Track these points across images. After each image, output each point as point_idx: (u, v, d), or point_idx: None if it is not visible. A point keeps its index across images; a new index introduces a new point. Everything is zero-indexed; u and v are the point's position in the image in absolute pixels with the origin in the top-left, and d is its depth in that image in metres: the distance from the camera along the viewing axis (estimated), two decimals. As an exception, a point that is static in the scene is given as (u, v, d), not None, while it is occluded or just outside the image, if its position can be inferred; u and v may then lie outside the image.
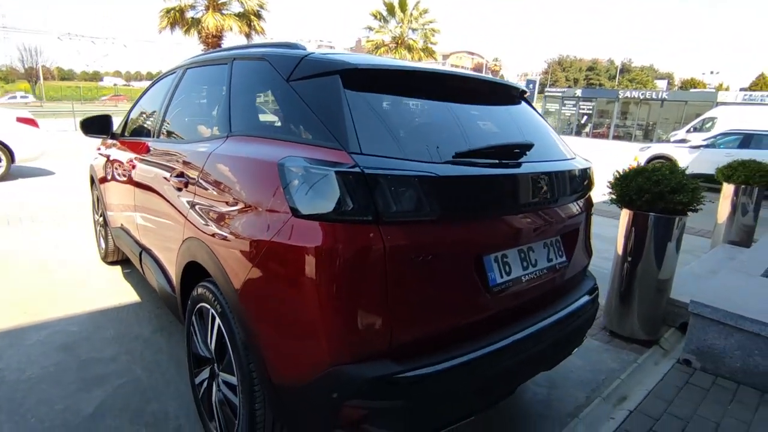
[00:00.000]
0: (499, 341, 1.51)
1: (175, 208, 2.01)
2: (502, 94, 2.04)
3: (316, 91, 1.52)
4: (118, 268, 3.83)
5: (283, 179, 1.36)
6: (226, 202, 1.61)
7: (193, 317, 1.89)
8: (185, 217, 1.89)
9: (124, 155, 2.95)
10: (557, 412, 2.24)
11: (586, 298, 1.98)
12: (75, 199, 6.10)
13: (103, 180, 3.44)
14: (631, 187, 2.83)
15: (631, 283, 2.92)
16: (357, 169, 1.27)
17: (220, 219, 1.62)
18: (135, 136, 3.00)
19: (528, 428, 2.17)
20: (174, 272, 2.08)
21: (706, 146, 10.91)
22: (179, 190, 1.96)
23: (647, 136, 30.23)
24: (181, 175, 1.97)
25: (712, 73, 57.42)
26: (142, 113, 3.07)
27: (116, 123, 3.37)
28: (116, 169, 3.07)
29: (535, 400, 2.33)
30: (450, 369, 1.36)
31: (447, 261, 1.41)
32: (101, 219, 3.74)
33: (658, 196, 2.71)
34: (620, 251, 2.98)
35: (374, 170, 1.28)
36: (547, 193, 1.72)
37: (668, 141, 17.32)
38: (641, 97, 31.90)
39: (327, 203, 1.27)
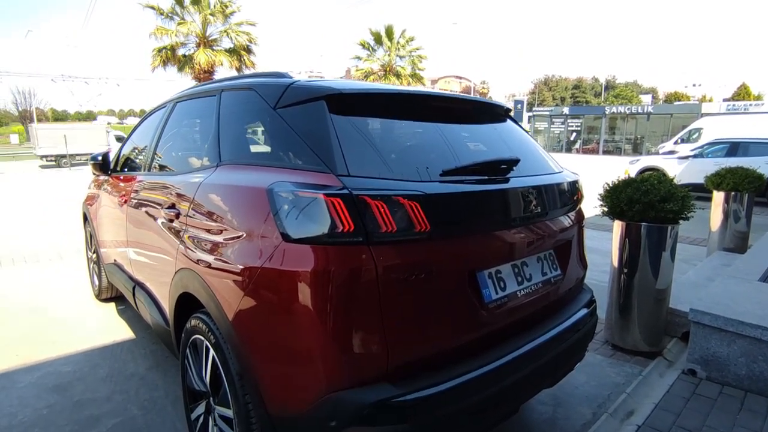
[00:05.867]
0: (499, 358, 1.49)
1: (168, 239, 2.00)
2: (487, 112, 2.08)
3: (302, 117, 1.54)
4: (112, 305, 3.78)
5: (273, 204, 1.36)
6: (217, 231, 1.61)
7: (188, 350, 1.85)
8: (177, 249, 1.88)
9: (116, 190, 2.95)
10: (564, 431, 2.19)
11: (584, 310, 1.96)
12: (70, 238, 6.07)
13: (96, 216, 3.43)
14: (621, 198, 2.86)
15: (630, 295, 2.90)
16: (345, 191, 1.27)
17: (212, 248, 1.62)
18: (126, 170, 3.01)
19: (535, 449, 2.12)
20: (168, 305, 2.05)
21: (695, 156, 11.06)
22: (171, 221, 1.96)
23: (636, 149, 30.65)
24: (172, 206, 1.97)
25: (694, 85, 58.53)
26: (133, 148, 3.09)
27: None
28: (108, 204, 3.07)
29: (540, 420, 2.28)
30: (451, 389, 1.34)
31: (440, 278, 1.40)
32: (94, 256, 3.71)
33: (648, 206, 2.73)
34: (615, 263, 2.98)
35: (362, 191, 1.29)
36: (536, 206, 1.73)
37: (657, 153, 17.56)
38: (627, 112, 32.49)
39: (317, 226, 1.27)
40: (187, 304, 1.84)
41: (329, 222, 1.26)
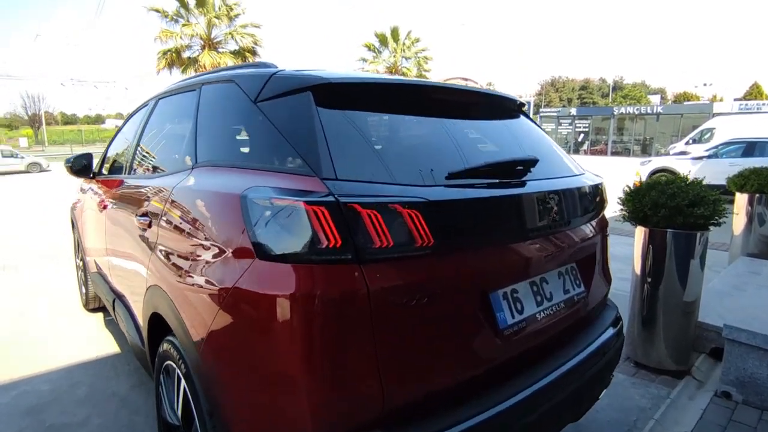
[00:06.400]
0: (515, 395, 1.26)
1: (140, 251, 1.79)
2: (497, 107, 1.85)
3: (285, 110, 1.33)
4: (100, 316, 3.59)
5: (246, 213, 1.15)
6: (187, 244, 1.40)
7: (161, 376, 1.64)
8: (149, 262, 1.67)
9: (98, 195, 2.76)
10: (586, 464, 1.95)
11: (610, 331, 1.73)
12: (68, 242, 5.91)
13: (81, 222, 3.25)
14: (644, 202, 2.61)
15: (654, 307, 2.65)
16: (330, 198, 1.06)
17: (181, 263, 1.41)
18: (110, 173, 2.82)
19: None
20: (142, 323, 1.85)
21: (709, 157, 10.74)
22: (144, 230, 1.76)
23: (645, 150, 30.20)
24: (145, 214, 1.77)
25: (705, 85, 57.28)
26: (116, 149, 2.90)
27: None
28: (91, 210, 2.88)
29: (559, 450, 2.03)
30: None
31: (447, 302, 1.18)
32: (81, 263, 3.52)
33: (675, 211, 2.49)
34: (638, 271, 2.74)
35: (352, 198, 1.07)
36: (557, 213, 1.50)
37: (667, 154, 17.19)
38: (636, 113, 32.03)
39: (296, 241, 1.05)
40: (160, 324, 1.63)
41: (311, 235, 1.04)
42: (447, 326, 1.19)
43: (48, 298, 3.98)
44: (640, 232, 2.71)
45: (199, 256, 1.31)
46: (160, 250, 1.57)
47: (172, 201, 1.56)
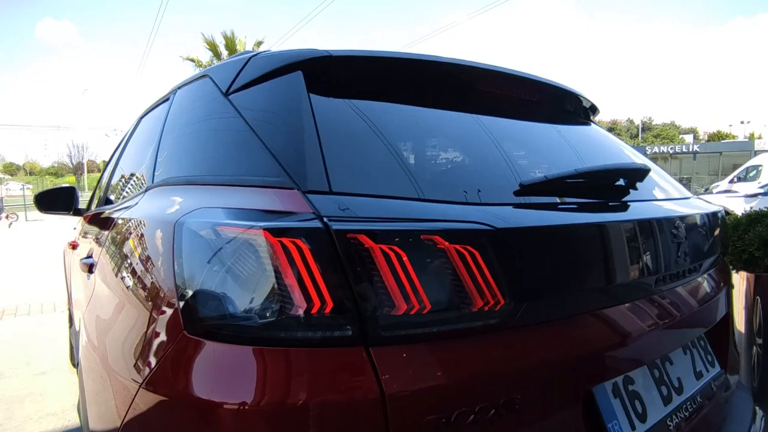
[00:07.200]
0: None
1: (79, 306, 1.34)
2: (562, 106, 1.37)
3: (263, 98, 0.89)
4: (84, 373, 3.13)
5: (177, 252, 0.67)
6: (110, 300, 0.93)
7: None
8: (84, 320, 1.21)
9: (75, 233, 2.38)
10: None
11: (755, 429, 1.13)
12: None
13: (65, 266, 2.87)
14: (747, 240, 2.03)
15: (769, 380, 2.00)
16: (316, 224, 0.57)
17: (98, 332, 0.94)
18: (93, 207, 2.44)
19: None
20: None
21: (765, 194, 9.90)
22: (87, 277, 1.31)
23: (683, 190, 28.97)
24: (90, 255, 1.33)
25: (742, 123, 55.19)
26: (100, 180, 2.54)
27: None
28: (69, 252, 2.49)
29: None
30: None
31: (525, 413, 0.65)
32: (69, 313, 3.12)
33: (796, 251, 1.89)
34: (742, 330, 2.11)
35: (354, 224, 0.58)
36: (681, 255, 0.97)
37: (711, 193, 16.28)
38: (671, 152, 31.03)
39: (251, 300, 0.56)
40: None
41: (278, 291, 0.55)
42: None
43: (33, 352, 3.58)
44: (741, 279, 2.10)
45: (116, 322, 0.84)
46: (91, 308, 1.11)
47: (111, 237, 1.12)
